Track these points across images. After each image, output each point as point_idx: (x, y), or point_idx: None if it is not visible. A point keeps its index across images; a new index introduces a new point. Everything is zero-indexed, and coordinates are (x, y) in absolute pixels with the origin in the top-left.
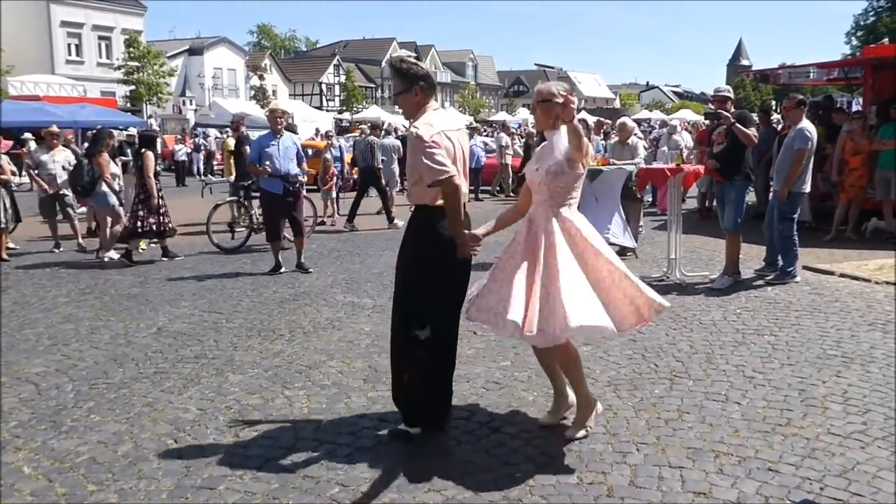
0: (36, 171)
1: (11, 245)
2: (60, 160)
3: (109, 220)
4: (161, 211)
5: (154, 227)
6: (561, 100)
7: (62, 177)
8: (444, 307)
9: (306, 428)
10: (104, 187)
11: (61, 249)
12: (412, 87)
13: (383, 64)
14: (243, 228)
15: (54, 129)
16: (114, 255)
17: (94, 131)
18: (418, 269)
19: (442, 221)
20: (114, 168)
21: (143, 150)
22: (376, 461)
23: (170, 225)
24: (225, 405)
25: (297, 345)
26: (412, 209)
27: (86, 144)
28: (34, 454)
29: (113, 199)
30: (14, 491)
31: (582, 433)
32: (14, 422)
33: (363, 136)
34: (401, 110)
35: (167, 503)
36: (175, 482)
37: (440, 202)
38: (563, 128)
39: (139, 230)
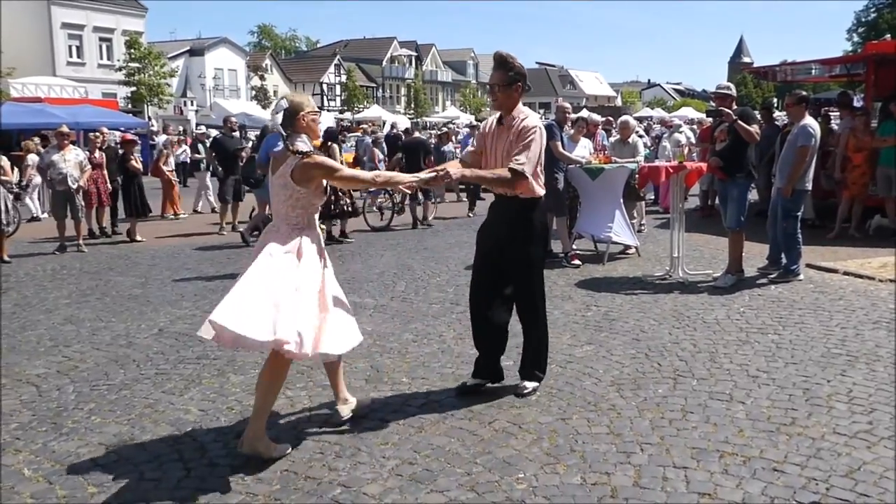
0: (48, 172)
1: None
2: (71, 159)
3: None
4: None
5: (349, 207)
6: None
7: (73, 176)
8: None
9: (308, 428)
10: None
11: (66, 252)
12: (515, 83)
13: (384, 63)
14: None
15: (64, 128)
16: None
17: (261, 129)
18: (533, 253)
19: (535, 211)
20: None
21: (329, 143)
22: (379, 462)
23: (355, 206)
24: (226, 406)
25: None
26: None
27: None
28: (35, 456)
29: None
30: (14, 493)
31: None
32: (15, 423)
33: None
34: (492, 101)
35: None
36: (176, 483)
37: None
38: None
39: (332, 212)
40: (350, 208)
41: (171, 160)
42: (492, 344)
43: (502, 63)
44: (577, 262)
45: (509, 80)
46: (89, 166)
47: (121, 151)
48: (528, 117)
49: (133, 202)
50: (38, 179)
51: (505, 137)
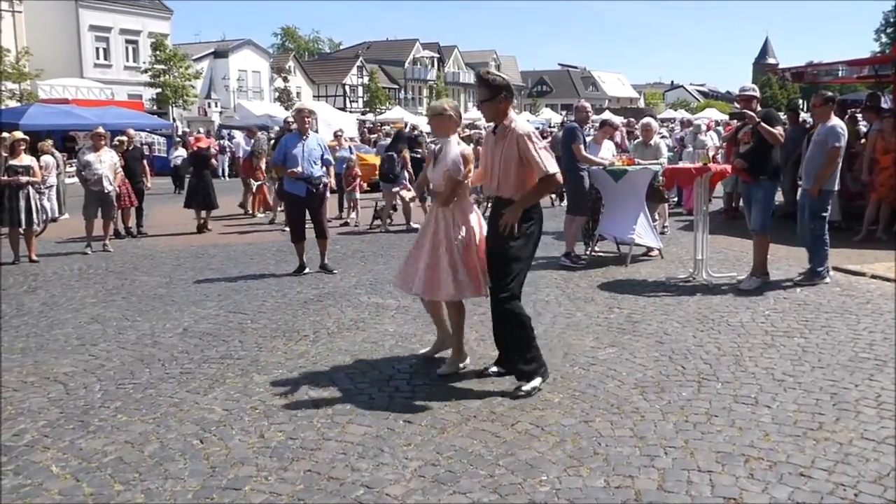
0: (83, 172)
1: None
2: (107, 160)
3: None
4: None
5: None
6: (452, 114)
7: (108, 177)
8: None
9: (331, 429)
10: (405, 175)
11: (91, 252)
12: (497, 95)
13: (406, 65)
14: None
15: (100, 130)
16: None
17: (395, 132)
18: (510, 249)
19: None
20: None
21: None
22: (402, 463)
23: None
24: (250, 406)
25: (322, 345)
26: (489, 202)
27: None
28: (62, 453)
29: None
30: (42, 490)
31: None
32: (43, 421)
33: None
34: (483, 115)
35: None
36: (201, 482)
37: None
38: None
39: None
40: None
41: (264, 161)
42: (497, 336)
43: (481, 81)
44: (575, 263)
45: (490, 93)
46: (121, 169)
47: (195, 147)
48: (518, 124)
49: (203, 197)
50: (52, 180)
51: (501, 144)
